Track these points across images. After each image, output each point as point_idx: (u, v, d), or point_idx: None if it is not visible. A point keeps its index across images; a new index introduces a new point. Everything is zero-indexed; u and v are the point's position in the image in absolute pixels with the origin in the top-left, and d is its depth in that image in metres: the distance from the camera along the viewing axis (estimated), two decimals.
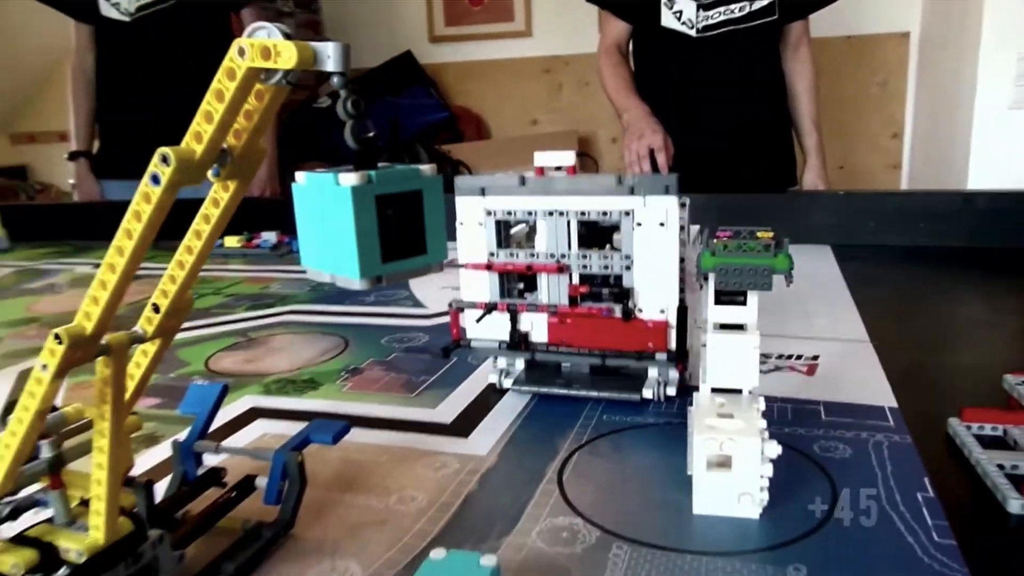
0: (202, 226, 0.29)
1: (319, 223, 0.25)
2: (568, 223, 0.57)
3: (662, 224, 0.55)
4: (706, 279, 0.48)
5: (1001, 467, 0.47)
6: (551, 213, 0.57)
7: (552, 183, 0.57)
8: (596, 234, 0.61)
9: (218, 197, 0.28)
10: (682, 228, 0.56)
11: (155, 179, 0.26)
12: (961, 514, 0.44)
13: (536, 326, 0.61)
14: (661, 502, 0.46)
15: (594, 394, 0.60)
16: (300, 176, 0.26)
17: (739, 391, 0.49)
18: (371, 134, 0.24)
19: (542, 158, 0.56)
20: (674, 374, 0.60)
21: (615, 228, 0.58)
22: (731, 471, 0.44)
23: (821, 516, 0.44)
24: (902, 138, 2.86)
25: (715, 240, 0.48)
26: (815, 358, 0.70)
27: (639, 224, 0.55)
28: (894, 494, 0.46)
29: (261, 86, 0.26)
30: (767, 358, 0.71)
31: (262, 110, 0.27)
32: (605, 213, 0.56)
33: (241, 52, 0.24)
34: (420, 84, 3.22)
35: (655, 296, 0.57)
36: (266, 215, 1.48)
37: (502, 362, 0.64)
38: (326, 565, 0.42)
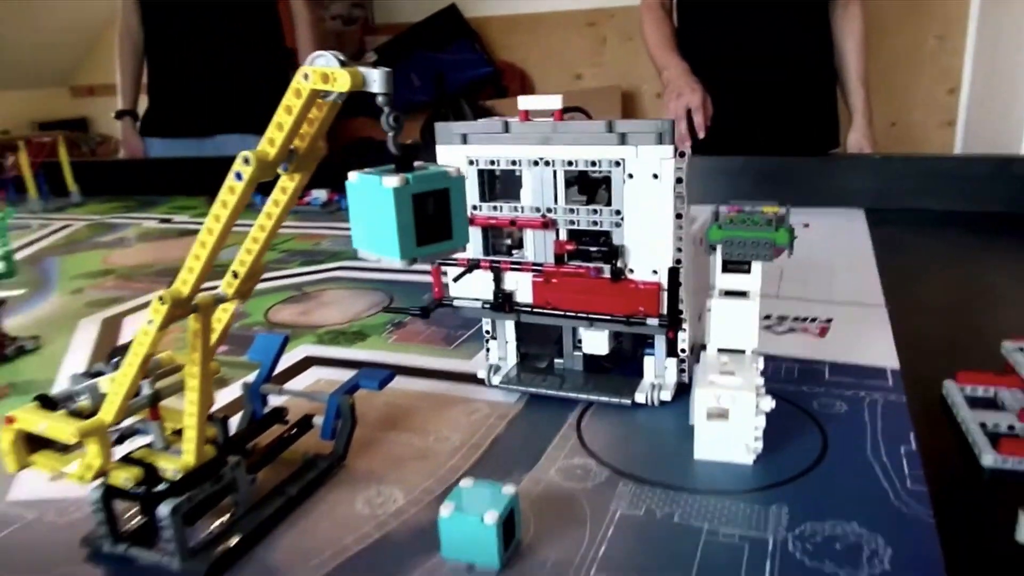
0: (272, 209, 0.35)
1: (367, 214, 0.31)
2: (555, 173, 0.54)
3: (655, 176, 0.51)
4: (713, 249, 0.53)
5: (984, 425, 0.52)
6: (536, 163, 0.54)
7: (537, 129, 0.53)
8: (593, 188, 0.58)
9: (285, 186, 0.34)
10: (680, 180, 0.52)
11: (239, 176, 0.32)
12: (939, 466, 0.48)
13: (521, 286, 0.57)
14: (667, 448, 0.52)
15: (583, 396, 0.58)
16: (352, 175, 0.32)
17: (742, 351, 0.54)
18: (409, 142, 0.30)
19: (526, 102, 0.53)
20: (671, 377, 0.58)
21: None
22: (728, 422, 0.49)
23: (808, 464, 0.49)
24: (958, 94, 2.78)
25: (723, 214, 0.52)
26: (828, 321, 0.74)
27: (630, 176, 0.52)
28: (879, 447, 0.51)
29: (320, 101, 0.32)
30: (783, 320, 0.75)
31: (321, 119, 0.33)
32: (594, 163, 0.52)
33: (306, 77, 0.30)
34: (464, 38, 3.23)
35: (647, 255, 0.53)
36: (316, 173, 1.54)
37: (493, 356, 0.63)
38: (373, 491, 0.49)
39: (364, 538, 0.44)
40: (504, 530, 0.40)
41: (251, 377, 0.54)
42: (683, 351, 0.57)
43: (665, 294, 0.53)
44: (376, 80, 0.30)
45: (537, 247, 0.56)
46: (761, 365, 0.52)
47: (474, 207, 0.56)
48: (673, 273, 0.53)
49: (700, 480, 0.48)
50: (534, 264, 0.56)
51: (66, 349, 0.79)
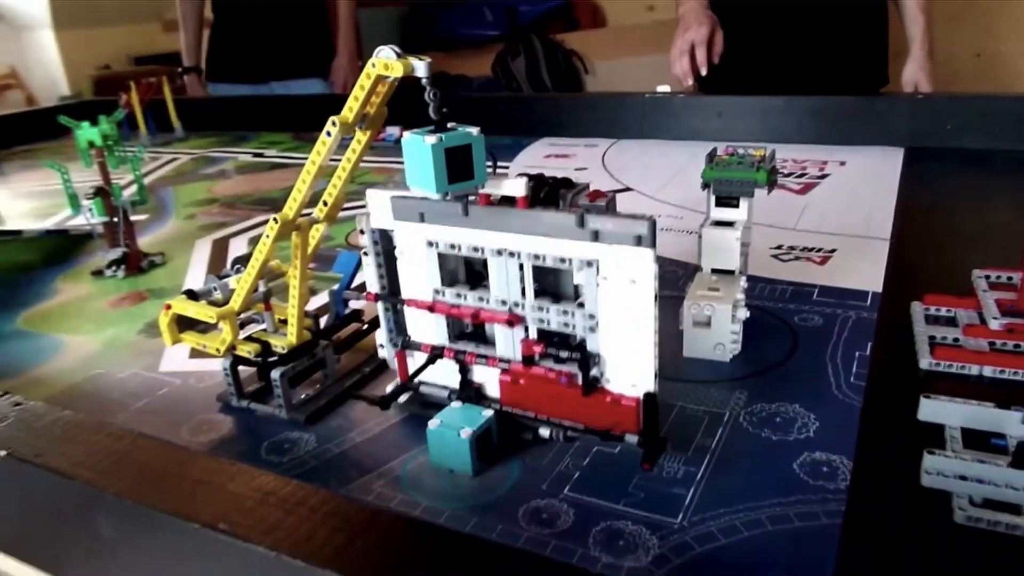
0: (350, 155, 0.49)
1: (416, 162, 0.43)
2: (521, 266, 0.48)
3: (634, 281, 0.45)
4: (708, 187, 0.63)
5: (932, 338, 0.62)
6: (500, 252, 0.48)
7: (500, 216, 0.48)
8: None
9: (360, 139, 0.48)
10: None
11: (328, 134, 0.45)
12: (884, 368, 0.59)
13: (489, 380, 0.53)
14: (663, 348, 0.64)
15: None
16: (405, 135, 0.44)
17: (732, 272, 0.65)
18: (444, 110, 0.43)
19: (488, 185, 0.48)
20: None
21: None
22: (710, 328, 0.61)
23: (775, 363, 0.61)
24: None
25: (718, 156, 0.63)
26: (832, 251, 0.83)
27: (604, 278, 0.45)
28: (837, 351, 0.62)
29: (383, 81, 0.45)
30: (792, 249, 0.85)
31: (384, 93, 0.46)
32: (564, 260, 0.46)
33: (373, 65, 0.43)
34: None
35: (625, 367, 0.47)
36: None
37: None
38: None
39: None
40: (482, 446, 0.49)
41: (336, 286, 0.69)
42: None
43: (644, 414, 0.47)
44: (420, 68, 0.43)
45: (504, 342, 0.51)
46: (744, 284, 0.63)
47: (436, 291, 0.52)
48: (649, 400, 0.47)
49: (685, 372, 0.60)
50: (501, 360, 0.51)
51: (187, 264, 0.96)
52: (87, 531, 0.40)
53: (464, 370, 0.54)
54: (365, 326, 0.68)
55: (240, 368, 0.59)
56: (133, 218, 0.95)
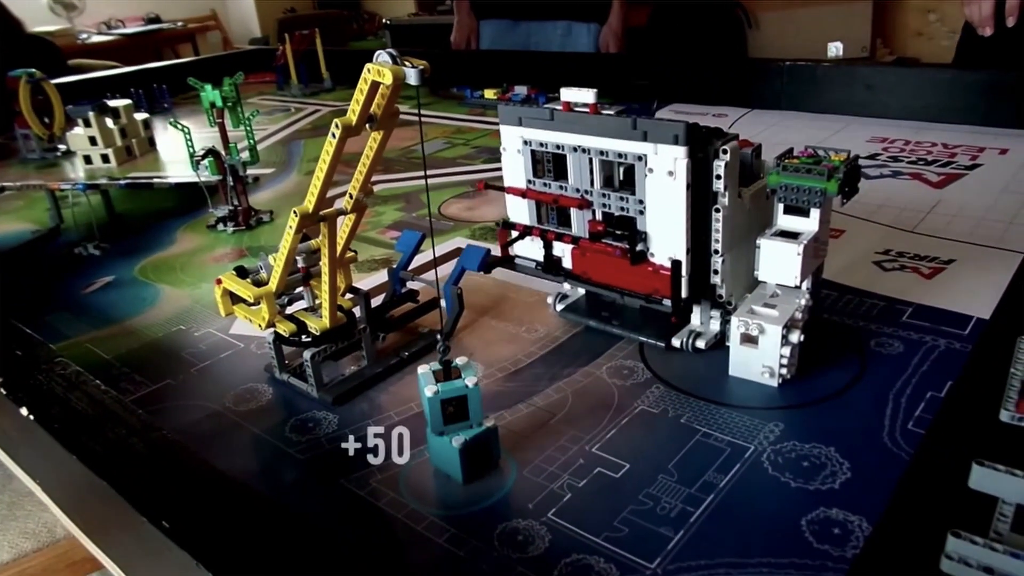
0: (368, 153, 0.49)
1: (424, 403, 0.46)
2: (591, 160, 0.59)
3: (671, 173, 0.55)
4: (774, 193, 0.57)
5: None
6: (576, 149, 0.59)
7: (576, 120, 0.58)
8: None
9: (375, 138, 0.48)
10: (719, 177, 0.55)
11: (333, 135, 0.46)
12: (957, 415, 0.51)
13: (566, 254, 0.64)
14: (713, 365, 0.60)
15: (626, 334, 0.64)
16: (421, 368, 0.45)
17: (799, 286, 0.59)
18: (448, 361, 0.46)
19: (568, 94, 0.59)
20: (715, 326, 0.61)
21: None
22: (757, 348, 0.56)
23: (827, 395, 0.55)
24: None
25: (789, 160, 0.56)
26: (948, 262, 0.73)
27: (651, 170, 0.56)
28: (907, 388, 0.54)
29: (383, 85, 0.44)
30: (901, 256, 0.76)
31: (388, 95, 0.45)
32: (621, 155, 0.57)
33: (368, 71, 0.42)
34: None
35: (665, 243, 0.57)
36: (518, 72, 1.66)
37: (566, 286, 0.68)
38: (463, 362, 0.63)
39: None
40: (474, 455, 0.48)
41: (396, 264, 0.70)
42: (729, 304, 0.60)
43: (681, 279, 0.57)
44: (411, 76, 0.42)
45: (578, 222, 0.62)
46: (805, 301, 0.57)
47: (529, 182, 0.63)
48: (676, 265, 0.57)
49: (724, 394, 0.56)
50: (573, 237, 0.62)
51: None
52: (78, 491, 0.45)
53: (547, 246, 0.65)
54: (410, 306, 0.69)
55: (284, 344, 0.61)
56: (255, 172, 1.02)
